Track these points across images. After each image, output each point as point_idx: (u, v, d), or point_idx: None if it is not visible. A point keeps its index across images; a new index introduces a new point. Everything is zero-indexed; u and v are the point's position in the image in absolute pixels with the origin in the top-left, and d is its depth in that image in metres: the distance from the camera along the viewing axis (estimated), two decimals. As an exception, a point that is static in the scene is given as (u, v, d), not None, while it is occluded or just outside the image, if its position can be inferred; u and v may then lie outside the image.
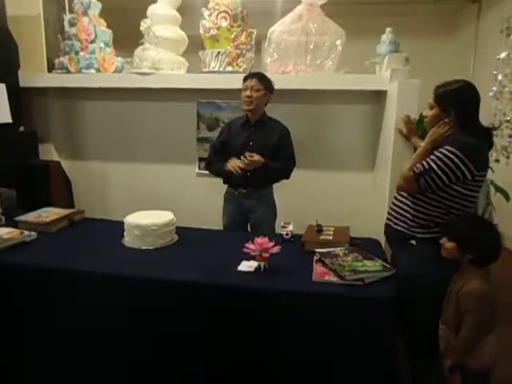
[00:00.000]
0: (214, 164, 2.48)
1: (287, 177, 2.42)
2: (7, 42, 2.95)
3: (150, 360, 1.66)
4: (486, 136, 1.68)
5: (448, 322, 1.53)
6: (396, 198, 1.80)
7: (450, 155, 1.55)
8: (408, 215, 1.70)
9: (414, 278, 1.60)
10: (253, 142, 2.34)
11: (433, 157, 1.59)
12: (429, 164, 1.59)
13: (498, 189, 2.56)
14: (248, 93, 2.28)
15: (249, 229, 2.50)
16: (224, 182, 2.49)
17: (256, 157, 2.22)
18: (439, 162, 1.56)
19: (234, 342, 1.59)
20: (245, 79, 2.33)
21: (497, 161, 2.83)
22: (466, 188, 1.59)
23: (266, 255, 1.65)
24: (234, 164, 2.26)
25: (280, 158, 2.34)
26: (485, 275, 1.48)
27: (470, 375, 1.48)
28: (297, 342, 1.56)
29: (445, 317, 1.56)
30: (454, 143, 1.58)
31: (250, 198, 2.40)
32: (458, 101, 1.63)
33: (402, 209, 1.74)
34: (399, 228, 1.75)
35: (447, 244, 1.50)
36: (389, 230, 1.83)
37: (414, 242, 1.69)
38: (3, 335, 1.79)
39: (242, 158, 2.23)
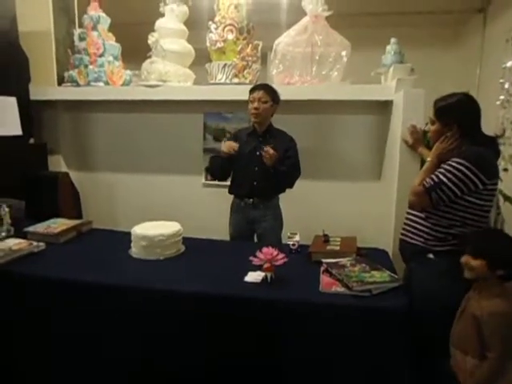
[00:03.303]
0: (212, 163, 2.56)
1: (291, 185, 2.42)
2: (19, 57, 3.02)
3: (154, 370, 1.66)
4: (491, 144, 1.67)
5: (460, 345, 1.43)
6: (409, 213, 1.77)
7: (459, 166, 1.54)
8: (424, 229, 1.67)
9: (432, 292, 1.57)
10: (260, 151, 2.35)
11: (442, 170, 1.58)
12: (438, 177, 1.57)
13: (507, 198, 2.53)
14: (255, 104, 2.31)
15: (255, 239, 2.50)
16: (229, 192, 2.50)
17: (270, 150, 2.21)
18: (449, 175, 1.55)
19: (240, 354, 1.58)
20: (251, 91, 2.35)
21: (505, 170, 2.80)
22: (479, 198, 1.57)
23: (270, 266, 1.64)
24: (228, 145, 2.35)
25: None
26: (506, 291, 1.38)
27: None
28: (304, 353, 1.55)
29: (455, 339, 1.46)
30: (461, 154, 1.57)
31: (257, 209, 2.41)
32: (458, 114, 1.63)
33: (417, 223, 1.71)
34: (415, 242, 1.70)
35: (473, 262, 1.38)
36: (404, 245, 1.79)
37: (431, 255, 1.65)
38: (9, 346, 1.80)
39: (264, 149, 2.23)
